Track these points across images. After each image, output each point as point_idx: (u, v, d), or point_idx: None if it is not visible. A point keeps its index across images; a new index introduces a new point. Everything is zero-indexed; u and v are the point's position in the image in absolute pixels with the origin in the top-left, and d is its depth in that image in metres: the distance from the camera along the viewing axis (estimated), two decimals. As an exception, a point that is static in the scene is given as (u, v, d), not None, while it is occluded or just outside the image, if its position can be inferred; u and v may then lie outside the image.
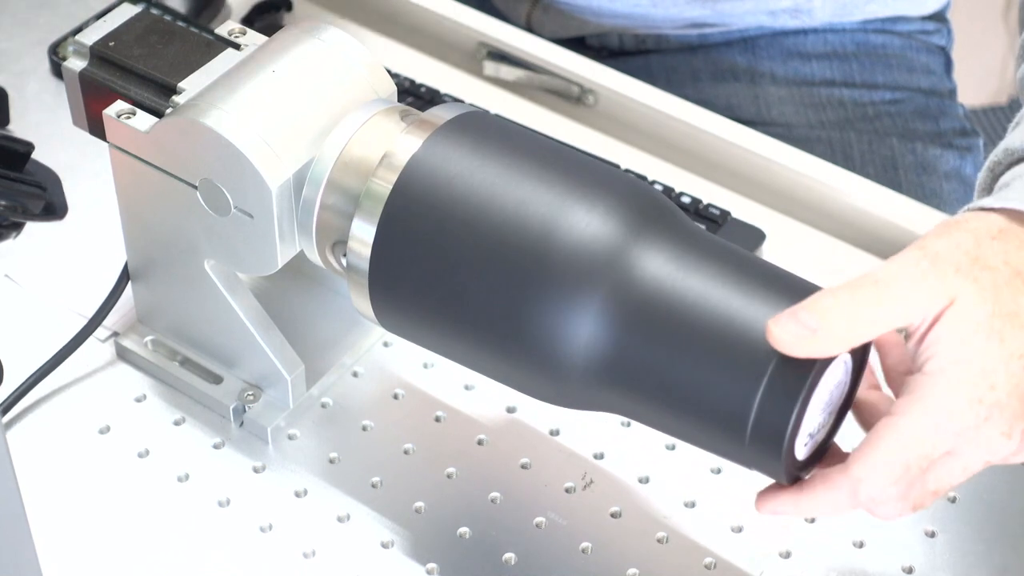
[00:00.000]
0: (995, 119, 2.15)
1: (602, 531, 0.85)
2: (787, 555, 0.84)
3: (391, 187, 0.77)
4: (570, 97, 1.10)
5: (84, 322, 0.91)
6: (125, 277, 0.90)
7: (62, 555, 0.83)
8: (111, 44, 0.85)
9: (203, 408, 0.90)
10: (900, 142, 1.20)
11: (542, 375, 0.76)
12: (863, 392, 0.75)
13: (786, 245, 1.01)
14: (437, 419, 0.90)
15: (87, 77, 0.85)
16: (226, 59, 0.85)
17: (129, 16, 0.87)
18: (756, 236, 1.00)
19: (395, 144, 0.78)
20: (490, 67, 1.11)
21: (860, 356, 0.73)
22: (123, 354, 0.92)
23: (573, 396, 0.76)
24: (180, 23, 0.87)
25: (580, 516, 0.86)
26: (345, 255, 0.79)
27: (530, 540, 0.84)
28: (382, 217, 0.77)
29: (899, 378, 0.74)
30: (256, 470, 0.88)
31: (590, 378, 0.74)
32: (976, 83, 2.08)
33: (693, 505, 0.86)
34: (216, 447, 0.89)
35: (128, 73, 0.85)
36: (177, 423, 0.90)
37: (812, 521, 0.85)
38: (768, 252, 1.00)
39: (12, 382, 0.89)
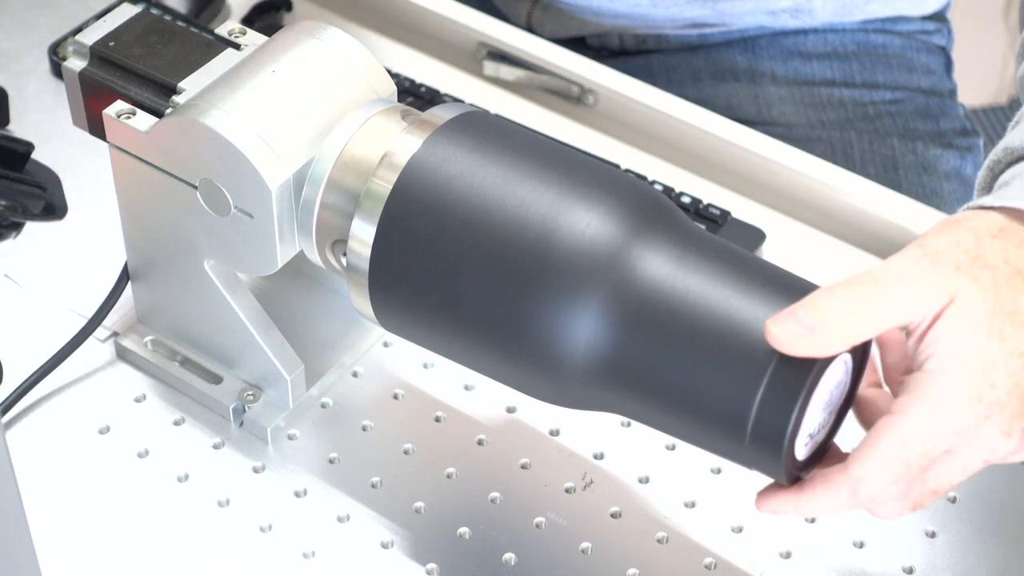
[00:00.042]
0: (995, 119, 2.15)
1: (602, 531, 0.85)
2: (787, 555, 0.84)
3: (391, 187, 0.77)
4: (570, 97, 1.10)
5: (84, 322, 0.91)
6: (125, 277, 0.90)
7: (62, 555, 0.83)
8: (111, 44, 0.85)
9: (203, 408, 0.90)
10: (900, 142, 1.20)
11: (542, 375, 0.75)
12: (864, 390, 0.75)
13: (786, 245, 1.01)
14: (437, 419, 0.90)
15: (87, 77, 0.85)
16: (226, 59, 0.85)
17: (129, 16, 0.87)
18: (756, 236, 1.00)
19: (395, 144, 0.78)
20: (490, 67, 1.11)
21: (860, 355, 0.73)
22: (123, 354, 0.92)
23: (573, 396, 0.76)
24: (180, 23, 0.87)
25: (580, 516, 0.86)
26: (345, 255, 0.79)
27: (530, 540, 0.84)
28: (382, 217, 0.77)
29: (898, 377, 0.74)
30: (256, 470, 0.88)
31: (590, 378, 0.74)
32: (976, 83, 2.08)
33: (693, 505, 0.86)
34: (216, 447, 0.89)
35: (128, 73, 0.85)
36: (177, 423, 0.90)
37: (812, 521, 0.85)
38: (768, 252, 1.00)
39: (12, 382, 0.89)
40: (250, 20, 1.13)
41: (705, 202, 1.01)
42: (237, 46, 0.86)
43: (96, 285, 0.92)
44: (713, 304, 0.71)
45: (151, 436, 0.89)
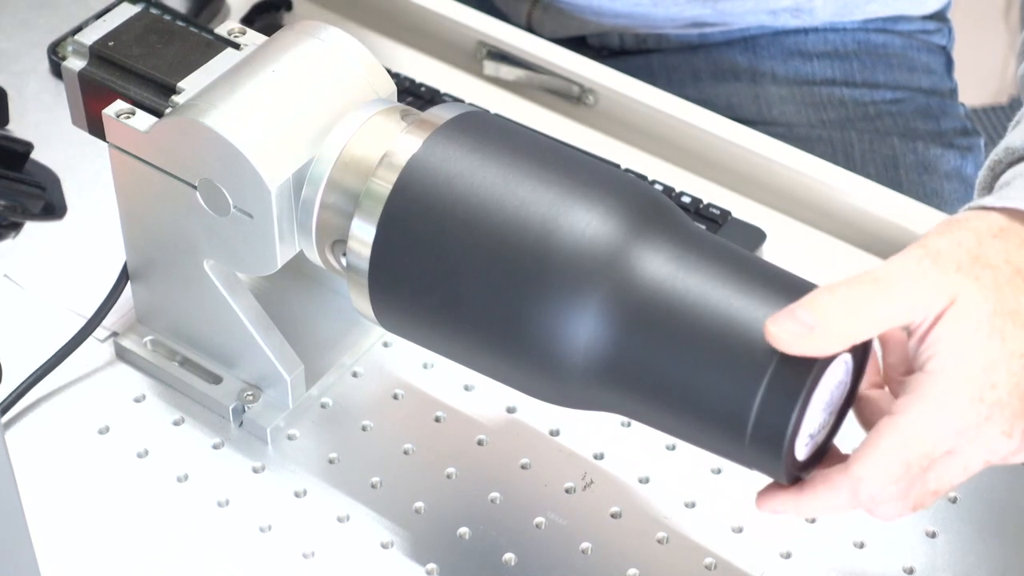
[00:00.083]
0: (996, 119, 2.14)
1: (602, 531, 0.85)
2: (787, 555, 0.84)
3: (391, 187, 0.77)
4: (570, 97, 1.10)
5: (83, 322, 0.91)
6: (124, 277, 0.90)
7: (61, 555, 0.83)
8: (110, 44, 0.85)
9: (202, 408, 0.90)
10: (901, 141, 1.20)
11: (542, 375, 0.75)
12: (864, 390, 0.75)
13: (787, 245, 1.01)
14: (437, 419, 0.90)
15: (86, 77, 0.85)
16: (226, 59, 0.85)
17: (128, 16, 0.87)
18: (756, 236, 1.00)
19: (395, 144, 0.78)
20: (490, 67, 1.11)
21: (861, 355, 0.73)
22: (122, 354, 0.92)
23: (573, 396, 0.76)
24: (179, 23, 0.87)
25: (580, 516, 0.85)
26: (345, 255, 0.79)
27: (530, 540, 0.84)
28: (382, 217, 0.77)
29: (898, 377, 0.74)
30: (255, 470, 0.88)
31: (590, 378, 0.74)
32: (977, 83, 2.08)
33: (693, 505, 0.86)
34: (215, 447, 0.89)
35: (127, 73, 0.85)
36: (176, 423, 0.90)
37: (813, 521, 0.85)
38: (768, 252, 1.00)
39: (11, 382, 0.89)
40: (250, 20, 1.13)
41: (705, 202, 1.01)
42: (237, 46, 0.86)
43: (96, 285, 0.92)
44: (713, 304, 0.71)
45: (151, 436, 0.89)
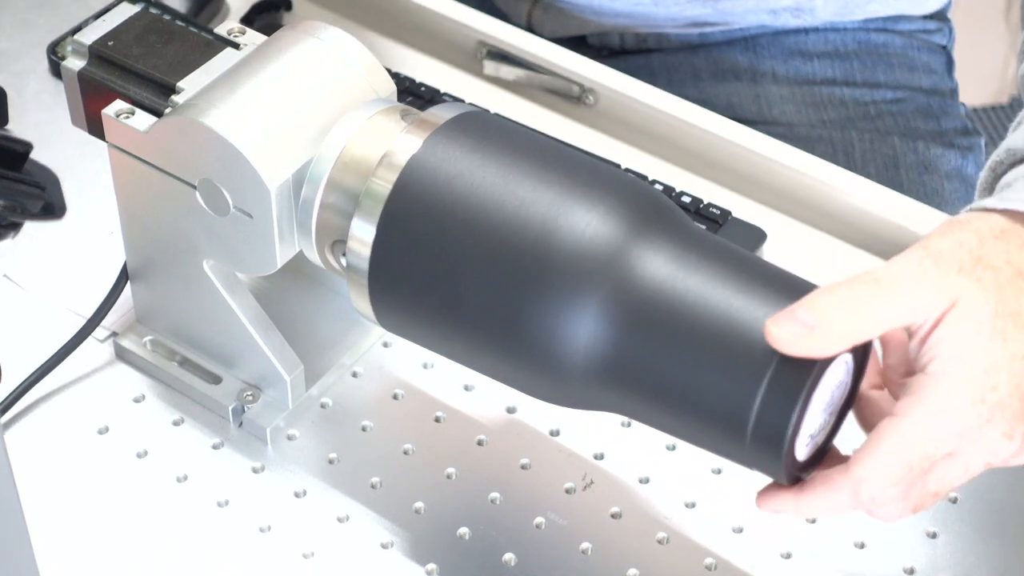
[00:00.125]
0: (996, 119, 2.14)
1: (602, 532, 0.85)
2: (788, 556, 0.84)
3: (391, 187, 0.77)
4: (570, 96, 1.10)
5: (83, 322, 0.91)
6: (124, 277, 0.90)
7: (60, 556, 0.83)
8: (110, 43, 0.85)
9: (202, 408, 0.90)
10: (902, 141, 1.20)
11: (542, 375, 0.75)
12: (864, 390, 0.75)
13: (787, 245, 1.01)
14: (437, 419, 0.90)
15: (86, 77, 0.85)
16: (225, 58, 0.84)
17: (128, 15, 0.87)
18: (757, 236, 0.99)
19: (395, 144, 0.78)
20: (490, 66, 1.11)
21: (861, 356, 0.73)
22: (122, 354, 0.92)
23: (573, 396, 0.76)
24: (179, 22, 0.87)
25: (580, 517, 0.85)
26: (345, 255, 0.79)
27: (530, 541, 0.84)
28: (382, 217, 0.77)
29: (898, 379, 0.74)
30: (255, 470, 0.88)
31: (590, 378, 0.74)
32: (977, 82, 2.08)
33: (693, 506, 0.86)
34: (215, 447, 0.88)
35: (127, 72, 0.85)
36: (176, 423, 0.89)
37: (813, 522, 0.85)
38: (769, 252, 1.00)
39: (11, 382, 0.89)
40: (249, 19, 1.13)
41: (705, 202, 1.01)
42: (236, 45, 0.86)
43: (95, 285, 0.92)
44: (713, 304, 0.71)
45: (150, 436, 0.89)
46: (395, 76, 1.08)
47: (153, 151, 0.83)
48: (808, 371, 0.69)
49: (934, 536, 0.85)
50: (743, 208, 1.03)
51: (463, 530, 0.85)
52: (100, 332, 0.92)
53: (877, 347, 0.75)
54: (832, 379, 0.71)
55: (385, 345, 0.93)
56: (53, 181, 0.99)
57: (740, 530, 0.85)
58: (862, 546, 0.84)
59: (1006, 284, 0.70)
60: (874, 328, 0.70)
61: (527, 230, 0.74)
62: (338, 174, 0.80)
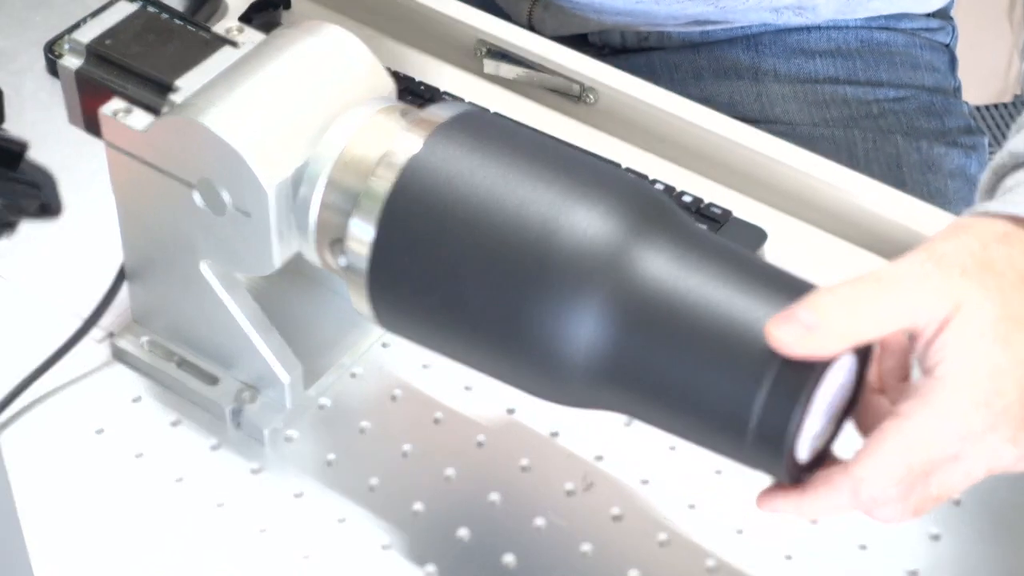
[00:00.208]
0: (999, 117, 2.14)
1: (603, 533, 0.84)
2: (789, 557, 0.84)
3: (391, 186, 0.77)
4: (570, 95, 1.09)
5: (80, 322, 0.90)
6: (121, 277, 0.90)
7: (56, 558, 0.83)
8: (107, 42, 0.85)
9: (200, 409, 0.89)
10: (905, 140, 1.20)
11: (543, 375, 0.75)
12: (864, 394, 0.75)
13: (788, 245, 1.00)
14: (436, 420, 0.89)
15: (83, 75, 0.85)
16: (223, 57, 0.84)
17: (126, 14, 0.87)
18: (758, 236, 0.99)
19: (395, 143, 0.78)
20: (490, 65, 1.11)
21: (863, 360, 0.73)
22: (119, 355, 0.92)
23: (574, 395, 0.76)
24: (177, 21, 0.86)
25: (581, 518, 0.85)
26: (344, 255, 0.79)
27: (530, 542, 0.84)
28: (382, 216, 0.77)
29: (895, 383, 0.74)
30: (253, 472, 0.87)
31: (591, 378, 0.74)
32: (980, 81, 2.07)
33: (694, 507, 0.85)
34: (213, 448, 0.88)
35: (124, 71, 0.84)
36: (173, 424, 0.89)
37: (815, 523, 0.85)
38: (770, 252, 0.99)
39: (7, 382, 0.89)
40: (248, 18, 1.13)
41: (706, 201, 1.00)
42: (235, 44, 0.85)
43: (92, 285, 0.92)
44: (714, 304, 0.71)
45: (147, 437, 0.88)
46: (395, 75, 1.08)
47: (150, 150, 0.82)
48: (810, 371, 0.69)
49: (936, 538, 0.85)
50: (744, 208, 1.02)
51: (462, 531, 0.84)
52: (97, 332, 0.92)
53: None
54: (834, 380, 0.71)
55: (384, 346, 0.93)
56: (49, 180, 0.98)
57: (741, 531, 0.85)
58: (864, 548, 0.84)
59: (1009, 288, 0.70)
60: (875, 329, 0.70)
61: (527, 230, 0.74)
62: (337, 173, 0.79)
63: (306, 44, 0.83)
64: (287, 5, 1.15)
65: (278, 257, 0.82)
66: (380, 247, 0.77)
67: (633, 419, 0.80)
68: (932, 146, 1.20)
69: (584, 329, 0.73)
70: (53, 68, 1.08)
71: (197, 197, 0.82)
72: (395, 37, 1.14)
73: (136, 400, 0.90)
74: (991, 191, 0.80)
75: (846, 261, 1.00)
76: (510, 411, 0.90)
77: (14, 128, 1.03)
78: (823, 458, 0.74)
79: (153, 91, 0.83)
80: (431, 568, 0.83)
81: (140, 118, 0.82)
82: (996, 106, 2.16)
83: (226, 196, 0.81)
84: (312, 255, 0.82)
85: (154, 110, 0.83)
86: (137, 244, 0.88)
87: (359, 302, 0.80)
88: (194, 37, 0.85)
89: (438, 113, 0.79)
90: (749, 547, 0.84)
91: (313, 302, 0.93)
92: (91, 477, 0.87)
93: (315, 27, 0.84)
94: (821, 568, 0.83)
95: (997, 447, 0.70)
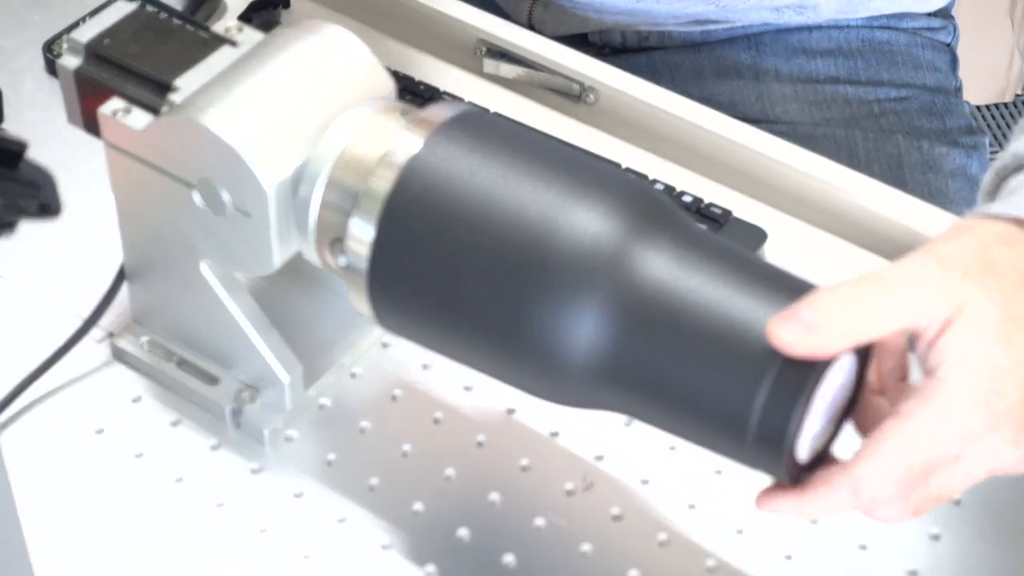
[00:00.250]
0: (1000, 117, 2.14)
1: (603, 533, 0.84)
2: (789, 557, 0.84)
3: (391, 186, 0.77)
4: (570, 95, 1.09)
5: (79, 322, 0.90)
6: (121, 277, 0.90)
7: (56, 558, 0.83)
8: (106, 41, 0.85)
9: (200, 409, 0.89)
10: (906, 140, 1.20)
11: (543, 374, 0.75)
12: (863, 395, 0.75)
13: (788, 245, 1.00)
14: (436, 420, 0.89)
15: (82, 75, 0.85)
16: (222, 57, 0.84)
17: (124, 13, 0.86)
18: (758, 236, 0.99)
19: (395, 143, 0.78)
20: (490, 65, 1.11)
21: (864, 360, 0.73)
22: (119, 355, 0.92)
23: (574, 395, 0.76)
24: (176, 20, 0.86)
25: (581, 518, 0.85)
26: (344, 254, 0.79)
27: (530, 542, 0.84)
28: (382, 216, 0.77)
29: (894, 384, 0.74)
30: (253, 472, 0.87)
31: (591, 378, 0.74)
32: (981, 81, 2.07)
33: (694, 507, 0.85)
34: (213, 448, 0.88)
35: (123, 71, 0.84)
36: (173, 424, 0.89)
37: (815, 523, 0.85)
38: (770, 252, 0.99)
39: (7, 383, 0.89)
40: (247, 17, 1.12)
41: (706, 201, 1.00)
42: (234, 43, 0.85)
43: (92, 285, 0.92)
44: (715, 304, 0.71)
45: (147, 437, 0.88)
46: (395, 75, 1.08)
47: (150, 150, 0.82)
48: (810, 370, 0.69)
49: (937, 538, 0.84)
50: (744, 208, 1.02)
51: (462, 531, 0.84)
52: (97, 332, 0.92)
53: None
54: (834, 380, 0.71)
55: (384, 346, 0.93)
56: (49, 180, 0.98)
57: (741, 531, 0.84)
58: (864, 548, 0.84)
59: (1011, 290, 0.70)
60: (876, 328, 0.70)
61: (528, 230, 0.74)
62: (337, 173, 0.79)
63: (306, 43, 0.83)
64: (286, 4, 1.15)
65: (278, 257, 0.82)
66: (380, 247, 0.77)
67: (633, 419, 0.80)
68: (933, 146, 1.20)
69: (584, 329, 0.73)
70: (52, 68, 1.08)
71: (197, 197, 0.82)
72: (395, 37, 1.14)
73: (136, 400, 0.90)
74: (993, 193, 0.80)
75: (846, 261, 1.00)
76: (510, 411, 0.90)
77: (13, 128, 1.03)
78: (823, 459, 0.74)
79: (152, 91, 0.83)
80: (431, 568, 0.83)
81: (139, 118, 0.82)
82: (997, 105, 2.15)
83: (226, 196, 0.81)
84: (312, 255, 0.82)
85: (153, 110, 0.82)
86: (137, 244, 0.87)
87: (359, 302, 0.80)
88: (193, 36, 0.85)
89: (438, 113, 0.79)
90: (749, 547, 0.84)
91: (313, 302, 0.93)
92: (91, 477, 0.87)
93: (315, 26, 0.84)
94: (821, 568, 0.83)
95: (998, 448, 0.70)
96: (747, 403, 0.70)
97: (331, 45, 0.83)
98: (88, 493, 0.86)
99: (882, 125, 1.20)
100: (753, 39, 1.22)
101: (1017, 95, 2.14)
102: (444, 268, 0.76)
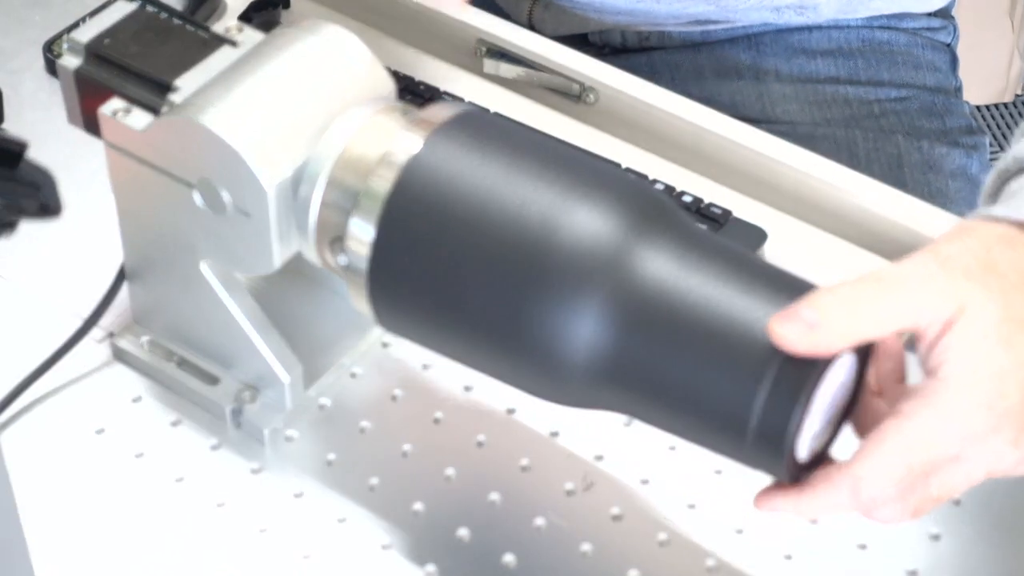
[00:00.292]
0: (1000, 117, 2.14)
1: (603, 533, 0.84)
2: (789, 557, 0.84)
3: (391, 186, 0.77)
4: (570, 95, 1.09)
5: (80, 322, 0.90)
6: (121, 277, 0.90)
7: (57, 558, 0.83)
8: (106, 41, 0.85)
9: (200, 409, 0.89)
10: (906, 140, 1.20)
11: (543, 374, 0.75)
12: (862, 396, 0.75)
13: (788, 245, 1.00)
14: (436, 420, 0.89)
15: (82, 75, 0.85)
16: (222, 57, 0.84)
17: (124, 13, 0.86)
18: (758, 236, 0.99)
19: (395, 142, 0.78)
20: (490, 65, 1.11)
21: (864, 360, 0.73)
22: (119, 355, 0.92)
23: (574, 395, 0.76)
24: (176, 20, 0.86)
25: (581, 518, 0.85)
26: (344, 254, 0.79)
27: (530, 542, 0.84)
28: (382, 216, 0.77)
29: (894, 386, 0.74)
30: (253, 471, 0.87)
31: (591, 377, 0.74)
32: (981, 81, 2.07)
33: (694, 507, 0.85)
34: (213, 448, 0.88)
35: (123, 71, 0.84)
36: (174, 424, 0.89)
37: (815, 523, 0.85)
38: (770, 252, 0.99)
39: (7, 383, 0.89)
40: (247, 17, 1.12)
41: (706, 201, 1.00)
42: (234, 43, 0.85)
43: (92, 285, 0.92)
44: (715, 304, 0.71)
45: (147, 437, 0.88)
46: (395, 75, 1.08)
47: (150, 150, 0.82)
48: (810, 369, 0.69)
49: (936, 538, 0.84)
50: (744, 208, 1.02)
51: (462, 531, 0.84)
52: (97, 332, 0.92)
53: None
54: (834, 379, 0.71)
55: (384, 346, 0.93)
56: (49, 180, 0.98)
57: (741, 531, 0.84)
58: (864, 547, 0.84)
59: (1012, 290, 0.70)
60: (876, 328, 0.70)
61: (528, 229, 0.74)
62: (337, 173, 0.79)
63: (306, 43, 0.83)
64: (286, 4, 1.15)
65: (278, 257, 0.82)
66: (380, 247, 0.77)
67: (633, 419, 0.80)
68: (933, 146, 1.20)
69: (584, 329, 0.73)
70: (52, 68, 1.08)
71: (197, 197, 0.82)
72: (395, 37, 1.14)
73: (136, 400, 0.90)
74: (995, 195, 0.80)
75: (846, 261, 1.00)
76: (510, 411, 0.90)
77: (13, 128, 1.04)
78: (822, 459, 0.74)
79: (152, 91, 0.83)
80: (431, 568, 0.83)
81: (139, 118, 0.82)
82: (997, 106, 2.15)
83: (226, 196, 0.81)
84: (312, 255, 0.82)
85: (153, 110, 0.82)
86: (137, 244, 0.87)
87: (359, 302, 0.80)
88: (193, 36, 0.85)
89: (438, 113, 0.79)
90: (749, 547, 0.84)
91: (313, 302, 0.93)
92: (91, 477, 0.86)
93: (315, 26, 0.84)
94: (821, 568, 0.83)
95: (998, 449, 0.70)
96: (747, 403, 0.70)
97: (331, 45, 0.83)
98: (88, 493, 0.86)
99: (882, 125, 1.20)
100: (753, 39, 1.22)
101: (1017, 95, 2.14)
102: (444, 268, 0.76)
